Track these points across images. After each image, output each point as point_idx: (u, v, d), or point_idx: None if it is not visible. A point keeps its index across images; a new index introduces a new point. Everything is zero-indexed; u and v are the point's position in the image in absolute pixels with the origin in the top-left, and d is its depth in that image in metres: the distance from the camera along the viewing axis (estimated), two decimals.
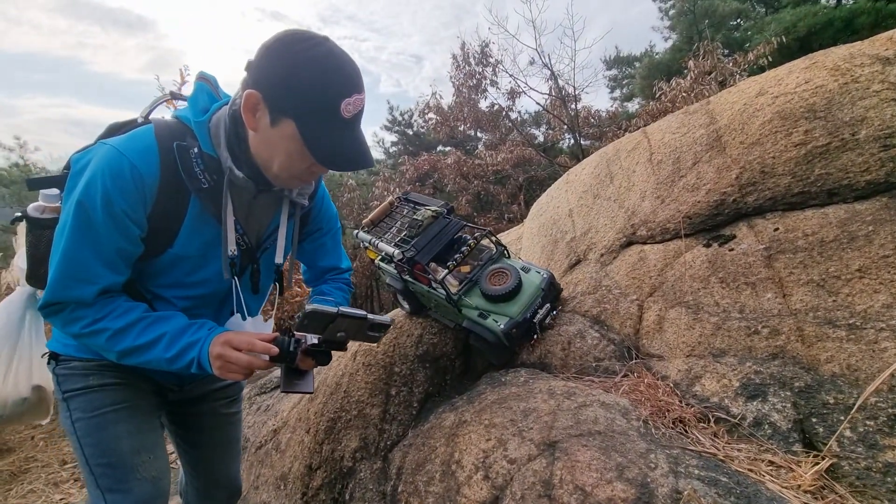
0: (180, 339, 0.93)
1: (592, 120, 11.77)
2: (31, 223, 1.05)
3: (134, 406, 1.09)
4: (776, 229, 1.32)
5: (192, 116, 0.96)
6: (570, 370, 1.44)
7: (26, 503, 2.61)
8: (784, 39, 8.21)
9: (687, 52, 10.24)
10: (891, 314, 1.05)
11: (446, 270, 1.49)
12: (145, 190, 0.90)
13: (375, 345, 1.76)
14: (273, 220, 1.13)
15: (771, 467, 0.95)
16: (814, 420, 1.00)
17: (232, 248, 1.01)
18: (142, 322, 0.93)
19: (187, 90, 4.98)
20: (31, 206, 1.06)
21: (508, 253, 1.67)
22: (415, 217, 1.59)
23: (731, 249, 1.38)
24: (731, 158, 1.50)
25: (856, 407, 0.96)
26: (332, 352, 1.06)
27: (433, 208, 1.60)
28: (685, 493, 0.82)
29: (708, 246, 1.44)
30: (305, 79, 0.84)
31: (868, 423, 0.94)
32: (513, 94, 11.78)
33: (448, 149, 14.08)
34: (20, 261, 1.13)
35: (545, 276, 1.55)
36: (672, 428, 1.09)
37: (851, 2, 10.09)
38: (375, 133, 17.92)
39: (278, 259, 1.16)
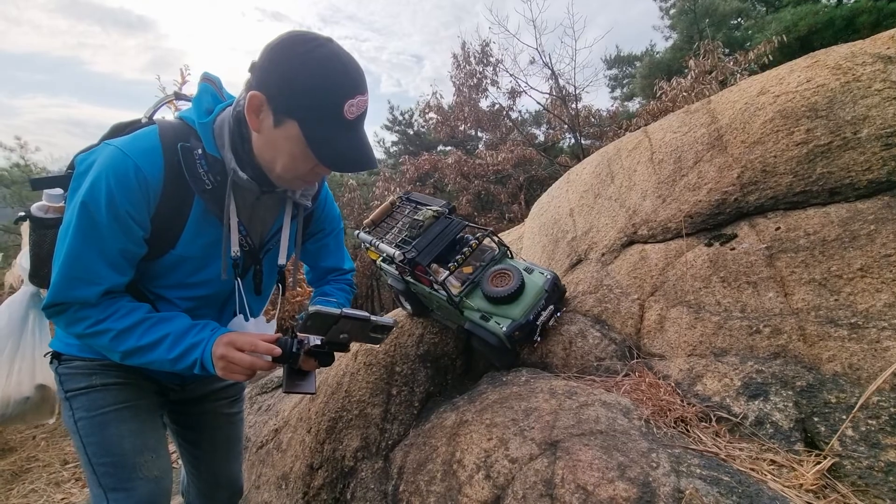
0: (184, 339, 0.93)
1: (593, 119, 11.76)
2: (34, 223, 1.06)
3: (136, 405, 1.10)
4: (778, 228, 1.32)
5: (197, 117, 0.96)
6: (571, 370, 1.44)
7: (27, 503, 2.61)
8: (785, 38, 8.18)
9: (688, 52, 10.22)
10: (893, 313, 1.04)
11: (447, 271, 1.47)
12: (149, 191, 0.90)
13: (377, 346, 1.76)
14: (276, 222, 1.13)
15: (773, 466, 0.95)
16: (816, 419, 1.00)
17: (235, 249, 1.02)
18: (145, 323, 0.93)
19: (188, 90, 4.98)
20: (35, 205, 1.06)
21: (511, 253, 1.65)
22: (415, 217, 1.57)
23: (733, 249, 1.37)
24: (732, 157, 1.50)
25: (858, 406, 0.96)
26: (335, 353, 1.06)
27: (434, 208, 1.58)
28: (687, 492, 0.82)
29: (709, 245, 1.44)
30: (309, 80, 0.84)
31: (870, 422, 0.94)
32: (513, 94, 11.78)
33: (449, 148, 14.06)
34: (23, 260, 1.13)
35: (549, 277, 1.52)
36: (674, 427, 1.09)
37: (852, 1, 10.07)
38: (376, 133, 17.91)
39: (281, 260, 1.16)
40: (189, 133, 0.96)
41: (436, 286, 1.47)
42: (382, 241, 1.57)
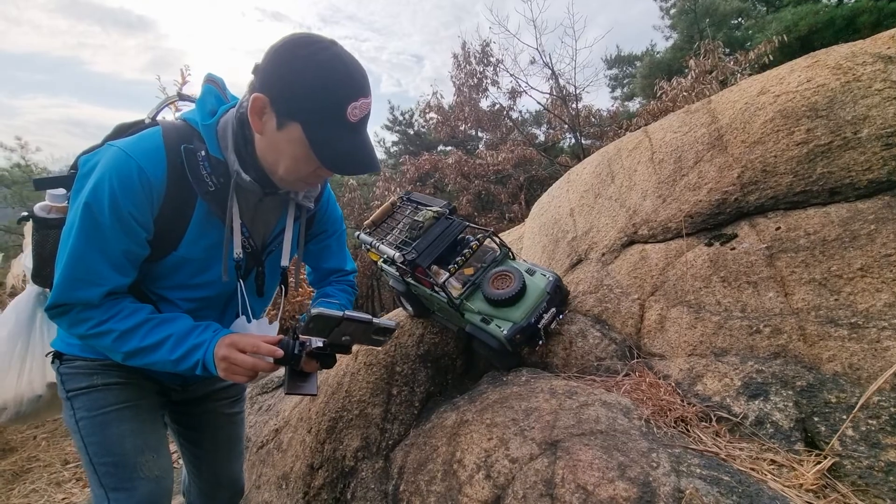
0: (186, 340, 0.94)
1: (593, 119, 11.76)
2: (37, 223, 1.06)
3: (137, 405, 1.10)
4: (778, 228, 1.32)
5: (200, 119, 0.96)
6: (571, 369, 1.45)
7: (28, 502, 2.61)
8: (785, 38, 8.18)
9: (688, 52, 10.23)
10: (893, 313, 1.05)
11: (448, 273, 1.46)
12: (152, 192, 0.90)
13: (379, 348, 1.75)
14: (279, 223, 1.14)
15: (773, 466, 0.95)
16: (816, 419, 1.00)
17: (238, 250, 1.02)
18: (148, 324, 0.93)
19: (188, 90, 4.98)
20: (38, 205, 1.07)
21: (513, 255, 1.63)
22: (416, 218, 1.56)
23: (733, 248, 1.38)
24: (732, 157, 1.50)
25: (858, 406, 0.96)
26: (337, 354, 1.06)
27: (435, 209, 1.57)
28: (687, 492, 0.83)
29: (709, 245, 1.44)
30: (312, 83, 0.84)
31: (870, 422, 0.94)
32: (514, 94, 11.78)
33: (449, 148, 14.07)
34: (27, 260, 1.14)
35: (551, 278, 1.49)
36: (674, 427, 1.09)
37: (853, 0, 10.06)
38: (376, 133, 17.93)
39: (284, 262, 1.16)
40: (192, 134, 0.96)
41: (436, 288, 1.46)
42: (383, 243, 1.55)
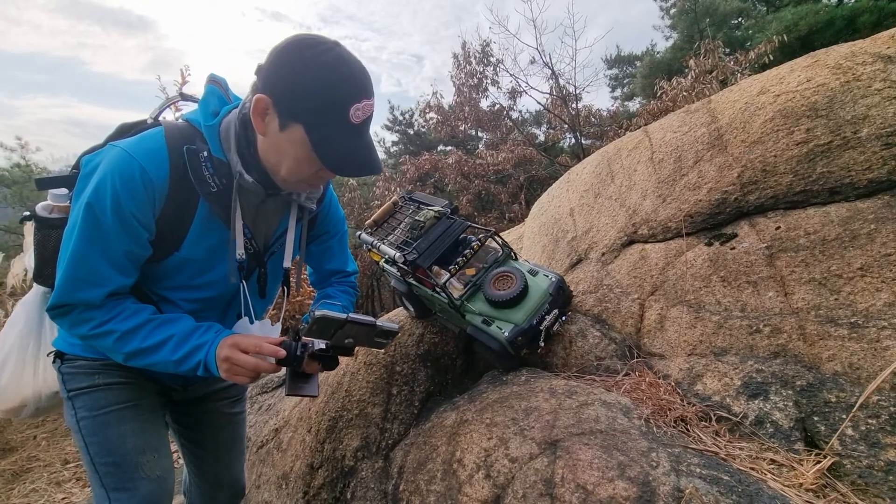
0: (188, 341, 0.94)
1: (593, 119, 11.77)
2: (39, 222, 1.06)
3: (138, 405, 1.10)
4: (778, 228, 1.32)
5: (203, 120, 0.96)
6: (571, 369, 1.45)
7: (28, 502, 2.62)
8: (785, 38, 8.18)
9: (688, 51, 10.22)
10: (893, 312, 1.05)
11: (449, 274, 1.45)
12: (154, 193, 0.90)
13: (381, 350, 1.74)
14: (281, 224, 1.14)
15: (773, 466, 0.95)
16: (815, 419, 1.00)
17: (240, 251, 1.02)
18: (149, 324, 0.93)
19: (188, 90, 4.98)
20: (40, 205, 1.07)
21: (515, 255, 1.61)
22: (417, 218, 1.55)
23: (733, 248, 1.38)
24: (732, 157, 1.50)
25: (857, 405, 0.96)
26: (339, 357, 1.06)
27: (436, 208, 1.56)
28: (687, 491, 0.83)
29: (709, 245, 1.44)
30: (314, 84, 0.84)
31: (870, 421, 0.94)
32: (514, 94, 11.79)
33: (449, 148, 14.07)
34: (28, 259, 1.14)
35: (553, 280, 1.47)
36: (673, 427, 1.09)
37: (853, 1, 10.06)
38: (376, 132, 17.92)
39: (286, 263, 1.16)
40: (195, 135, 0.96)
41: (437, 289, 1.45)
42: (384, 243, 1.55)
